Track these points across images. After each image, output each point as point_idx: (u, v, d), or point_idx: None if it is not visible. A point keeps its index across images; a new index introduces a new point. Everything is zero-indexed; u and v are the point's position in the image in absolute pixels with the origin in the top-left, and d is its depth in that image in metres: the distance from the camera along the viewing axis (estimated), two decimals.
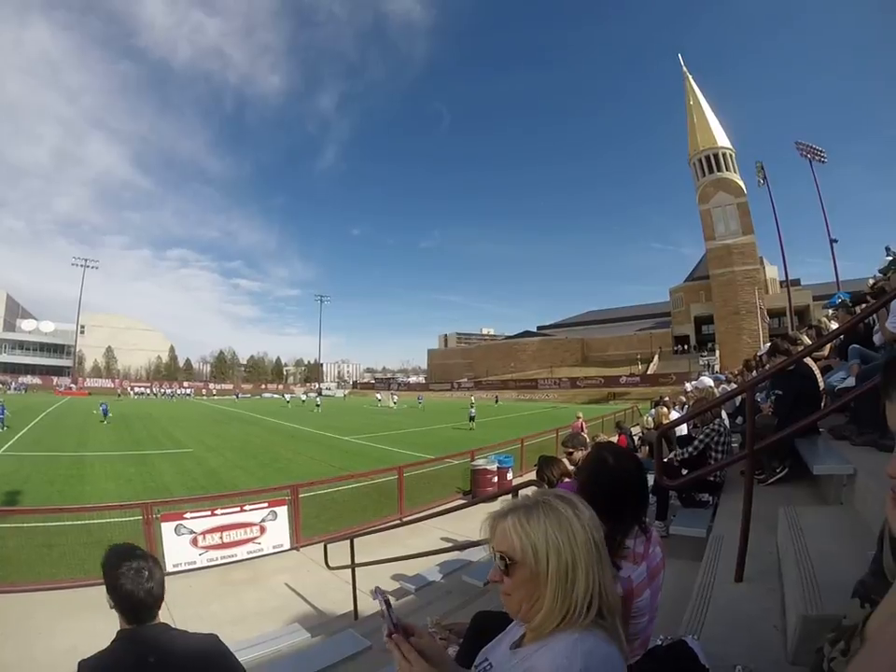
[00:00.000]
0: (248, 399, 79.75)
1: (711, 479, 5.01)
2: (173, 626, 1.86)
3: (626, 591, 1.47)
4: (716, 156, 70.23)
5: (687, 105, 73.76)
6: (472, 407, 34.89)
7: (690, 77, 74.37)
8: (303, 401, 63.74)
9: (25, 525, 8.43)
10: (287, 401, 62.75)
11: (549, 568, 1.01)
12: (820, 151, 39.49)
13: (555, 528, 1.03)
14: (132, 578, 1.69)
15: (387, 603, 1.14)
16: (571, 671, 0.92)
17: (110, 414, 32.70)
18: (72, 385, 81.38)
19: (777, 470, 4.52)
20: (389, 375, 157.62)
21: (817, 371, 4.87)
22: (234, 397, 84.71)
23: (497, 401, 55.53)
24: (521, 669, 1.04)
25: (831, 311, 8.40)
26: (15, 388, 72.94)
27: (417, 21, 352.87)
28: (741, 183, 68.46)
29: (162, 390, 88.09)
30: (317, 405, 50.84)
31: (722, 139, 70.95)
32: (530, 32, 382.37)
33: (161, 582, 1.76)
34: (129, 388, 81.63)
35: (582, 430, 16.63)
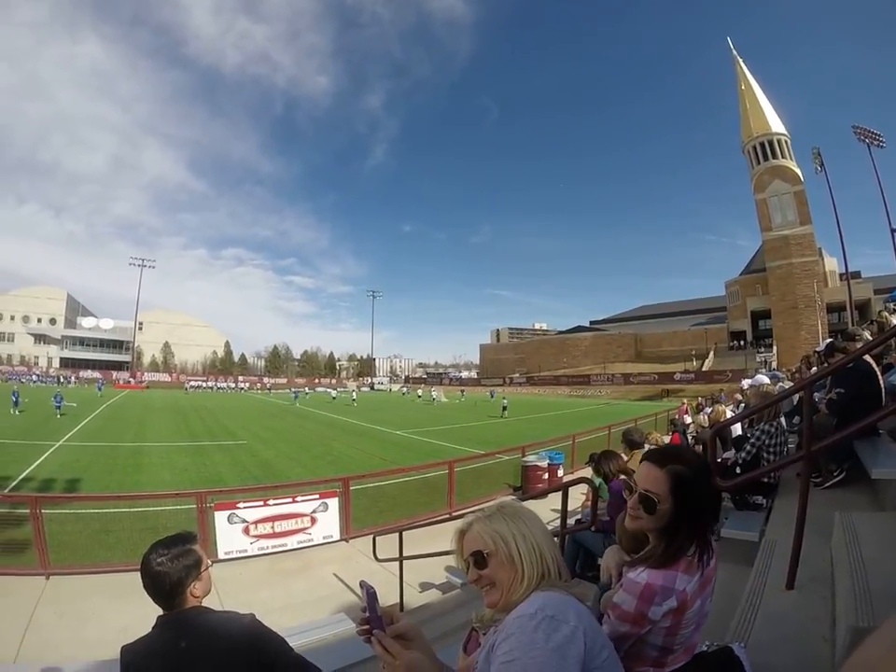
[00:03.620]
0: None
1: (765, 480, 4.85)
2: (212, 609, 1.91)
3: (681, 603, 1.44)
4: (770, 142, 67.71)
5: (739, 90, 71.21)
6: (505, 399, 40.35)
7: (741, 60, 71.80)
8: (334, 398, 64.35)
9: (83, 511, 8.88)
10: (307, 394, 61.47)
11: (520, 549, 1.23)
12: (879, 135, 37.49)
13: (514, 521, 1.28)
14: (145, 561, 1.80)
15: (373, 596, 1.19)
16: (531, 609, 1.09)
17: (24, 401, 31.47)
18: (130, 379, 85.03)
19: (835, 473, 4.36)
20: (441, 370, 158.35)
21: (877, 369, 4.66)
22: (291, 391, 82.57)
23: (492, 396, 58.93)
24: (495, 635, 1.14)
25: (892, 305, 8.01)
26: (82, 383, 76.81)
27: (460, 18, 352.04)
28: (798, 171, 65.84)
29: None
30: (353, 399, 51.06)
31: (777, 125, 68.27)
32: (573, 21, 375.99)
33: (176, 568, 1.80)
34: (186, 382, 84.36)
35: (686, 414, 16.57)
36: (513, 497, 1.45)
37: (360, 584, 1.25)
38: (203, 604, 1.90)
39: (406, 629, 1.22)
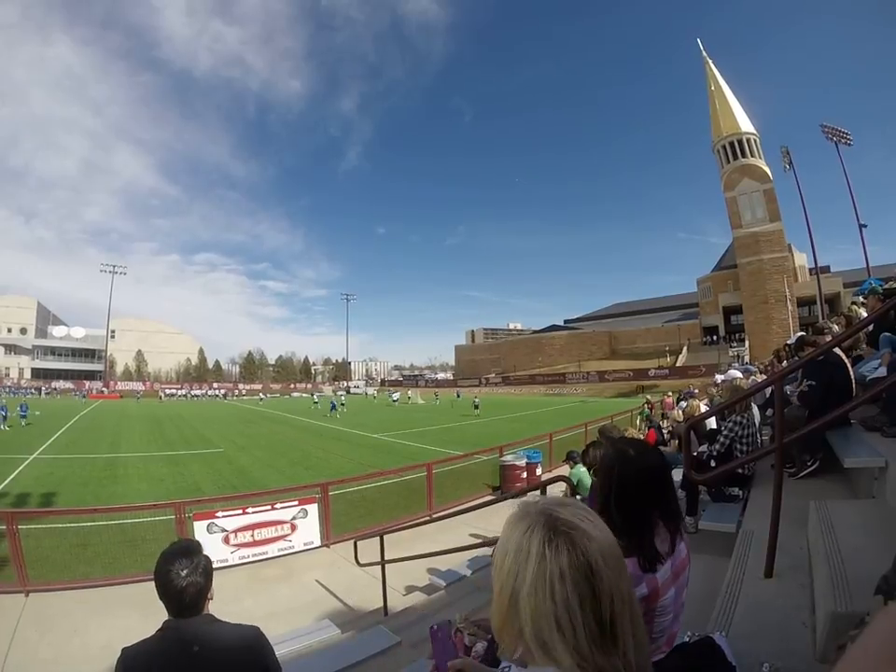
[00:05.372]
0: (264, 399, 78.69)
1: (740, 472, 4.93)
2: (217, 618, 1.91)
3: (651, 591, 1.43)
4: (740, 142, 68.85)
5: (708, 90, 72.47)
6: (476, 397, 43.90)
7: (710, 61, 73.14)
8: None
9: (60, 525, 8.70)
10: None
11: (504, 577, 0.81)
12: (846, 134, 38.60)
13: (534, 546, 0.77)
14: (165, 575, 1.76)
15: (444, 637, 1.18)
16: None
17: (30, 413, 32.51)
18: (104, 389, 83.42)
19: (808, 463, 4.44)
20: (417, 372, 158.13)
21: (846, 361, 4.77)
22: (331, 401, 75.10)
23: (458, 396, 61.49)
24: None
25: (861, 298, 8.19)
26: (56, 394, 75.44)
27: (434, 20, 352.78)
28: (767, 169, 67.09)
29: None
30: (342, 404, 46.84)
31: (746, 124, 69.52)
32: (547, 21, 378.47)
33: (200, 578, 1.81)
34: (161, 391, 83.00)
35: (673, 408, 16.65)
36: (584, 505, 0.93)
37: (430, 630, 1.21)
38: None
39: (462, 665, 1.19)
